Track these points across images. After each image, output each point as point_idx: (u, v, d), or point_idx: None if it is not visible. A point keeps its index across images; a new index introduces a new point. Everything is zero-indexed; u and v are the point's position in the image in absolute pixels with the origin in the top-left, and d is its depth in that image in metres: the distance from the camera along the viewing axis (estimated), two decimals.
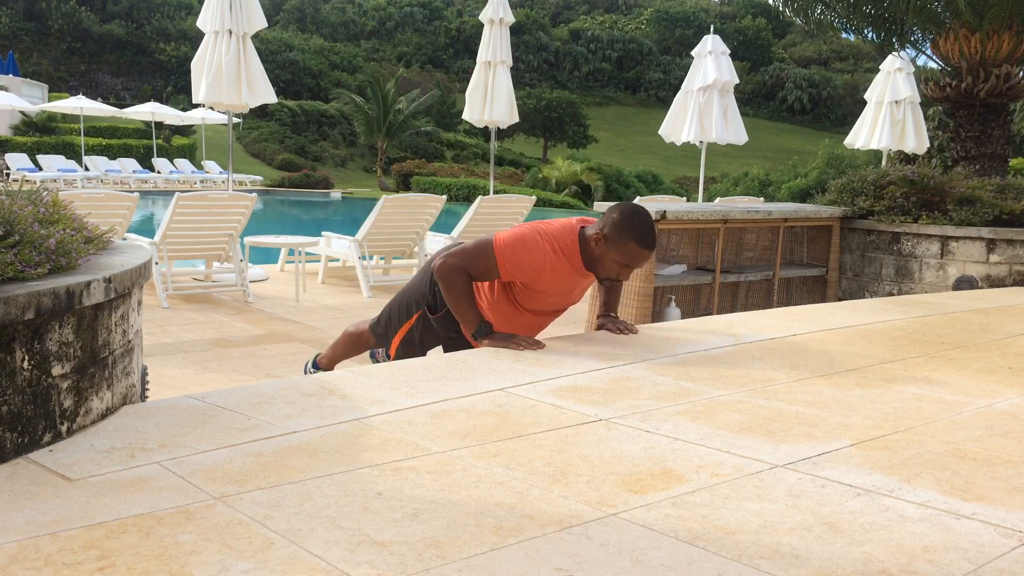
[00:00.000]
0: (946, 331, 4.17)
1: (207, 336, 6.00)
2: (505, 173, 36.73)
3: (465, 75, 45.39)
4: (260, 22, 8.24)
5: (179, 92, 49.04)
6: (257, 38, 8.71)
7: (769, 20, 74.76)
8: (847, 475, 2.12)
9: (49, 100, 36.63)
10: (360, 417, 2.44)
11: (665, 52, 73.54)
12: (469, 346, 3.70)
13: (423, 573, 1.55)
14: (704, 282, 6.38)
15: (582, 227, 3.37)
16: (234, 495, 1.87)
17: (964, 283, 6.50)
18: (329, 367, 4.13)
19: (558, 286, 3.42)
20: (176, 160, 33.00)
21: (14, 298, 1.90)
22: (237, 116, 13.94)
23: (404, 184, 33.94)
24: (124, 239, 6.97)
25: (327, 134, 44.32)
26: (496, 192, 13.38)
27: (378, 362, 4.13)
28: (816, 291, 7.15)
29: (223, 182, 28.86)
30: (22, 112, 32.27)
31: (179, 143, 36.73)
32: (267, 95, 8.22)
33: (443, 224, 9.84)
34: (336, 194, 31.52)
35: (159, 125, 34.97)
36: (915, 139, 12.24)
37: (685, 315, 6.10)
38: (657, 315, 6.00)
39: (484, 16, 9.80)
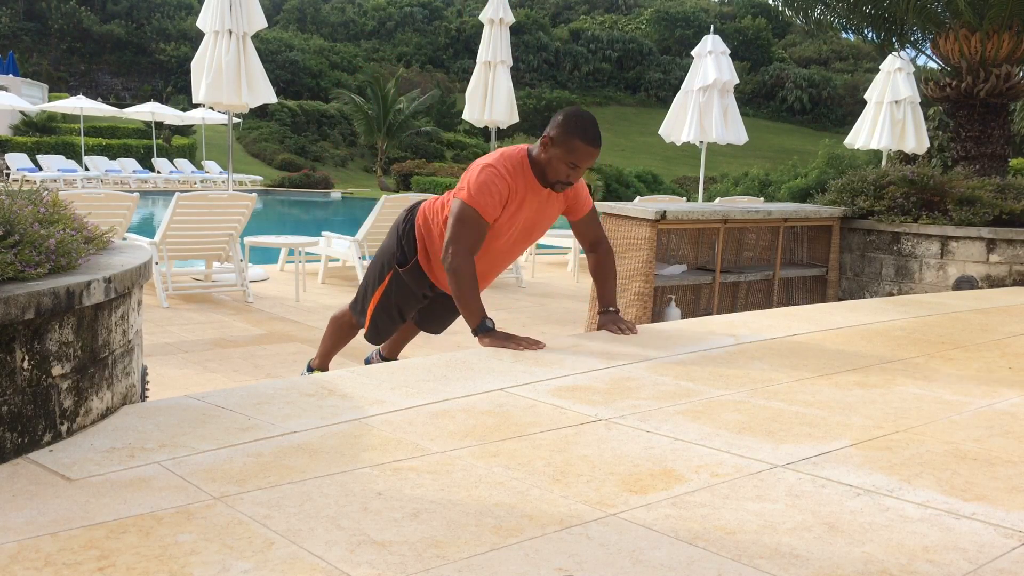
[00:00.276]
0: (946, 331, 4.17)
1: (207, 336, 6.00)
2: None
3: (465, 75, 45.39)
4: (260, 22, 8.24)
5: (179, 92, 49.04)
6: (257, 38, 8.71)
7: (769, 20, 74.72)
8: (847, 475, 2.12)
9: (49, 100, 36.63)
10: (360, 417, 2.44)
11: (665, 52, 73.51)
12: (444, 307, 3.81)
13: (423, 573, 1.55)
14: (704, 282, 6.38)
15: (528, 148, 3.44)
16: (234, 495, 1.87)
17: (964, 283, 6.50)
18: (323, 365, 4.13)
19: (522, 210, 3.45)
20: (176, 160, 33.00)
21: (14, 298, 1.90)
22: (237, 116, 13.94)
23: (404, 184, 33.91)
24: (124, 239, 6.97)
25: (327, 134, 44.30)
26: None
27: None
28: (816, 291, 7.15)
29: (223, 182, 28.86)
30: (22, 112, 32.28)
31: (179, 143, 36.73)
32: (267, 95, 8.22)
33: None
34: (336, 194, 31.51)
35: (159, 125, 34.98)
36: (915, 139, 12.24)
37: (685, 315, 6.10)
38: (657, 315, 6.00)
39: (484, 16, 9.79)
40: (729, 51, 11.02)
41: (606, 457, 2.20)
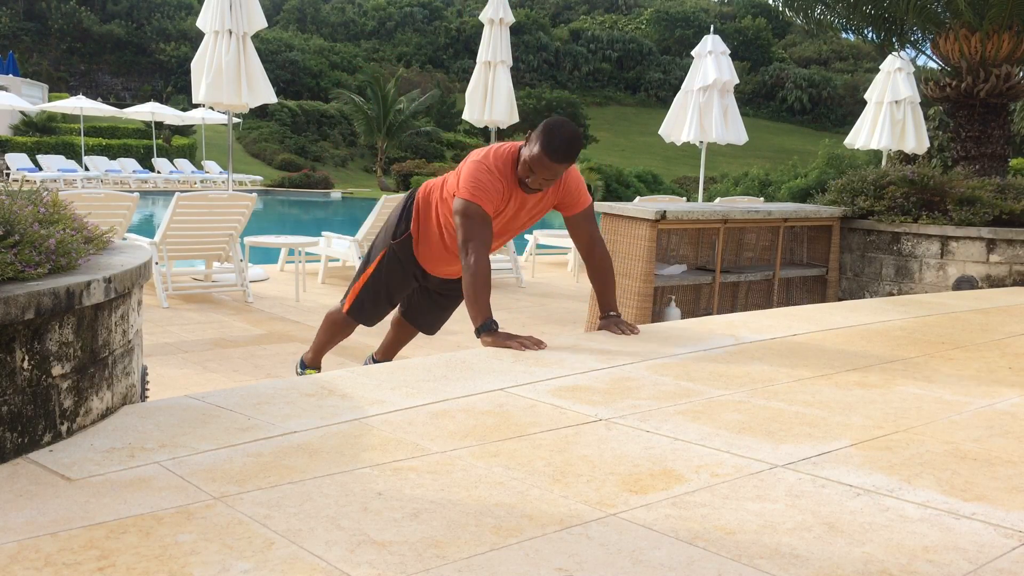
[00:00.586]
0: (946, 331, 4.17)
1: (207, 336, 6.00)
2: None
3: (465, 75, 45.38)
4: (260, 22, 8.24)
5: (179, 92, 49.04)
6: (257, 38, 8.71)
7: (769, 20, 74.72)
8: (847, 475, 2.12)
9: (49, 100, 36.63)
10: (360, 417, 2.44)
11: (665, 52, 73.50)
12: (437, 303, 3.88)
13: (423, 573, 1.55)
14: (704, 282, 6.38)
15: (520, 146, 3.47)
16: (234, 495, 1.87)
17: (964, 283, 6.50)
18: (316, 361, 4.13)
19: (509, 205, 3.50)
20: (176, 160, 33.00)
21: (14, 298, 1.90)
22: (237, 116, 13.95)
23: (404, 184, 33.92)
24: (124, 239, 6.97)
25: (327, 134, 44.30)
26: None
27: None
28: (816, 291, 7.15)
29: (223, 182, 28.86)
30: (22, 112, 32.28)
31: (179, 143, 36.73)
32: (267, 95, 8.22)
33: None
34: (336, 194, 31.52)
35: (159, 125, 34.98)
36: (915, 139, 12.24)
37: (685, 315, 6.10)
38: (657, 315, 6.00)
39: (484, 16, 9.79)
40: (729, 51, 11.01)
41: (606, 457, 2.20)
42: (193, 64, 8.19)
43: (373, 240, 3.89)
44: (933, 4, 9.46)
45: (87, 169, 28.05)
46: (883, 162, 12.75)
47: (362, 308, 3.85)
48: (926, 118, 14.33)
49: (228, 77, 7.91)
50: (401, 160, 37.90)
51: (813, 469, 2.16)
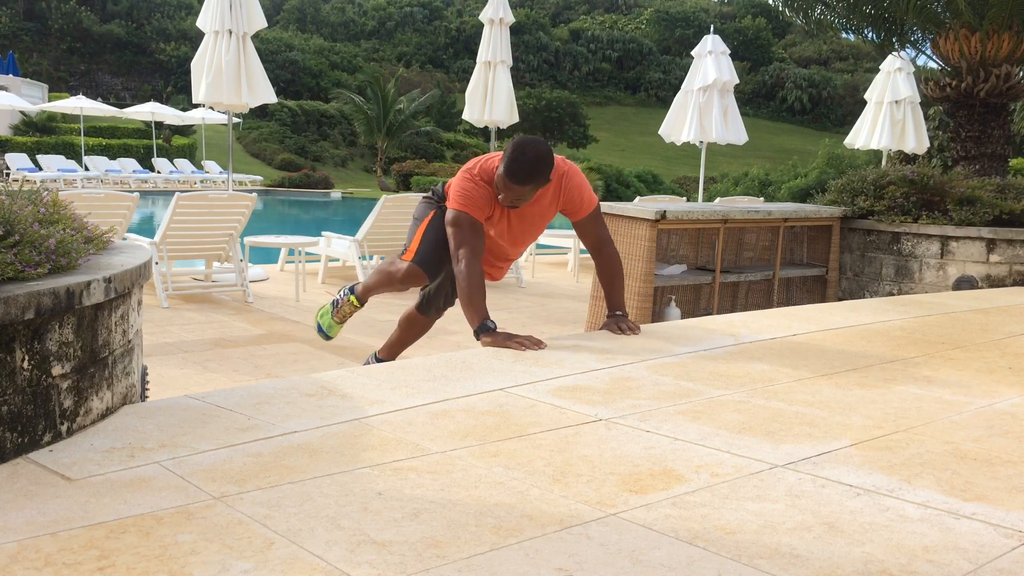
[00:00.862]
0: (946, 331, 4.17)
1: (207, 336, 6.00)
2: None
3: (465, 75, 45.38)
4: (260, 22, 8.24)
5: (179, 92, 49.05)
6: (257, 38, 8.71)
7: (769, 20, 74.73)
8: (847, 475, 2.12)
9: (49, 100, 36.64)
10: (360, 417, 2.44)
11: (665, 52, 73.51)
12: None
13: (423, 573, 1.55)
14: (704, 282, 6.38)
15: None
16: (234, 495, 1.87)
17: (964, 283, 6.50)
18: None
19: (505, 215, 3.59)
20: (176, 160, 33.01)
21: (14, 298, 1.90)
22: (237, 116, 13.94)
23: (404, 184, 33.92)
24: (124, 239, 6.97)
25: (327, 134, 44.30)
26: None
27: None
28: (816, 291, 7.15)
29: (223, 182, 28.87)
30: (22, 112, 32.30)
31: (179, 143, 36.74)
32: (267, 95, 8.22)
33: None
34: (336, 194, 31.52)
35: (159, 125, 34.99)
36: (915, 139, 12.24)
37: (685, 315, 6.10)
38: (657, 315, 6.00)
39: (484, 16, 9.79)
40: (729, 51, 11.01)
41: (606, 457, 2.20)
42: (193, 64, 8.19)
43: (414, 217, 3.89)
44: (933, 4, 9.46)
45: (87, 169, 28.06)
46: (883, 162, 12.75)
47: (425, 257, 3.77)
48: (926, 118, 14.33)
49: (228, 77, 7.91)
50: (401, 160, 37.90)
51: (813, 469, 2.16)
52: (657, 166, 42.27)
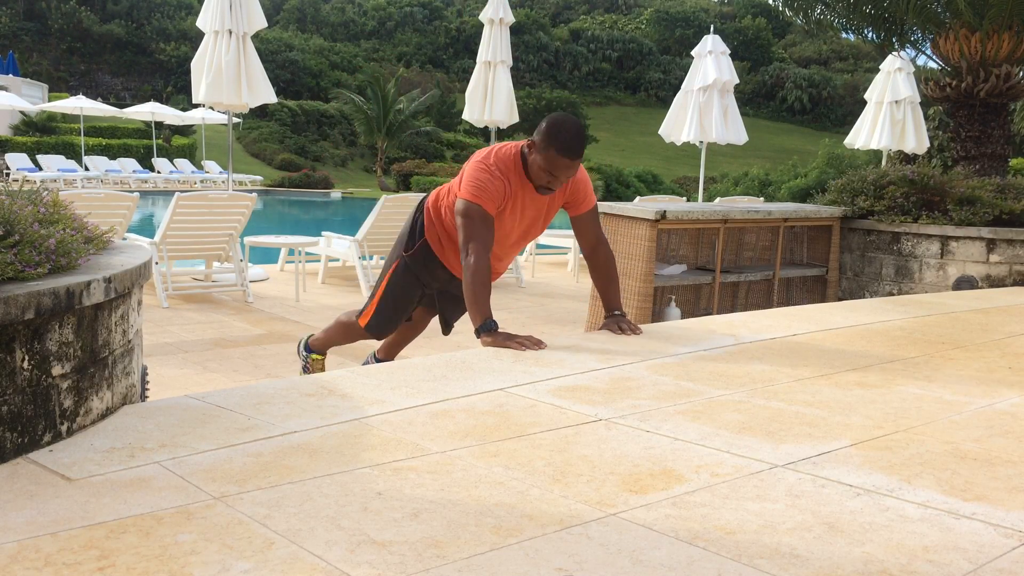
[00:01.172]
0: (946, 331, 4.17)
1: (207, 336, 6.00)
2: None
3: (465, 75, 45.38)
4: (260, 22, 8.24)
5: (179, 92, 49.05)
6: (257, 38, 8.71)
7: (769, 20, 74.75)
8: (847, 475, 2.12)
9: (49, 100, 36.65)
10: (360, 417, 2.44)
11: (665, 52, 73.52)
12: (452, 297, 3.80)
13: (423, 573, 1.55)
14: (704, 282, 6.38)
15: (522, 147, 3.46)
16: (234, 495, 1.87)
17: (964, 283, 6.50)
18: (323, 349, 4.14)
19: (518, 207, 3.51)
20: (176, 160, 33.02)
21: (14, 298, 1.90)
22: (237, 116, 13.94)
23: (404, 184, 33.93)
24: (124, 239, 6.97)
25: (327, 134, 44.31)
26: None
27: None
28: (816, 291, 7.15)
29: (223, 182, 28.87)
30: (22, 112, 32.30)
31: (179, 143, 36.74)
32: (267, 95, 8.22)
33: None
34: (336, 194, 31.52)
35: (159, 125, 35.00)
36: (915, 139, 12.24)
37: (685, 315, 6.10)
38: (657, 315, 6.00)
39: (484, 16, 9.79)
40: (729, 51, 11.01)
41: (606, 457, 2.20)
42: (193, 64, 8.19)
43: (390, 252, 3.91)
44: (933, 4, 9.46)
45: (87, 169, 28.06)
46: (883, 162, 12.75)
47: (378, 323, 3.84)
48: (926, 118, 14.34)
49: (228, 77, 7.91)
50: (401, 160, 37.90)
51: (813, 469, 2.16)
52: (657, 166, 42.28)
